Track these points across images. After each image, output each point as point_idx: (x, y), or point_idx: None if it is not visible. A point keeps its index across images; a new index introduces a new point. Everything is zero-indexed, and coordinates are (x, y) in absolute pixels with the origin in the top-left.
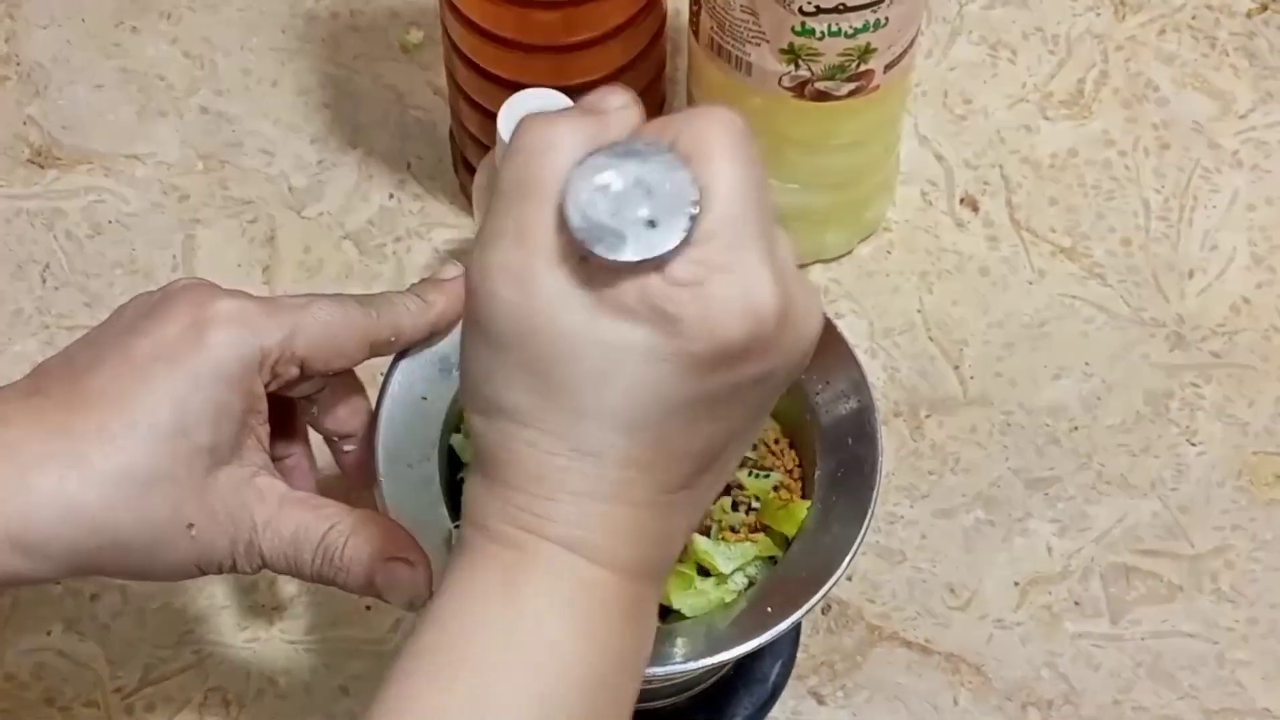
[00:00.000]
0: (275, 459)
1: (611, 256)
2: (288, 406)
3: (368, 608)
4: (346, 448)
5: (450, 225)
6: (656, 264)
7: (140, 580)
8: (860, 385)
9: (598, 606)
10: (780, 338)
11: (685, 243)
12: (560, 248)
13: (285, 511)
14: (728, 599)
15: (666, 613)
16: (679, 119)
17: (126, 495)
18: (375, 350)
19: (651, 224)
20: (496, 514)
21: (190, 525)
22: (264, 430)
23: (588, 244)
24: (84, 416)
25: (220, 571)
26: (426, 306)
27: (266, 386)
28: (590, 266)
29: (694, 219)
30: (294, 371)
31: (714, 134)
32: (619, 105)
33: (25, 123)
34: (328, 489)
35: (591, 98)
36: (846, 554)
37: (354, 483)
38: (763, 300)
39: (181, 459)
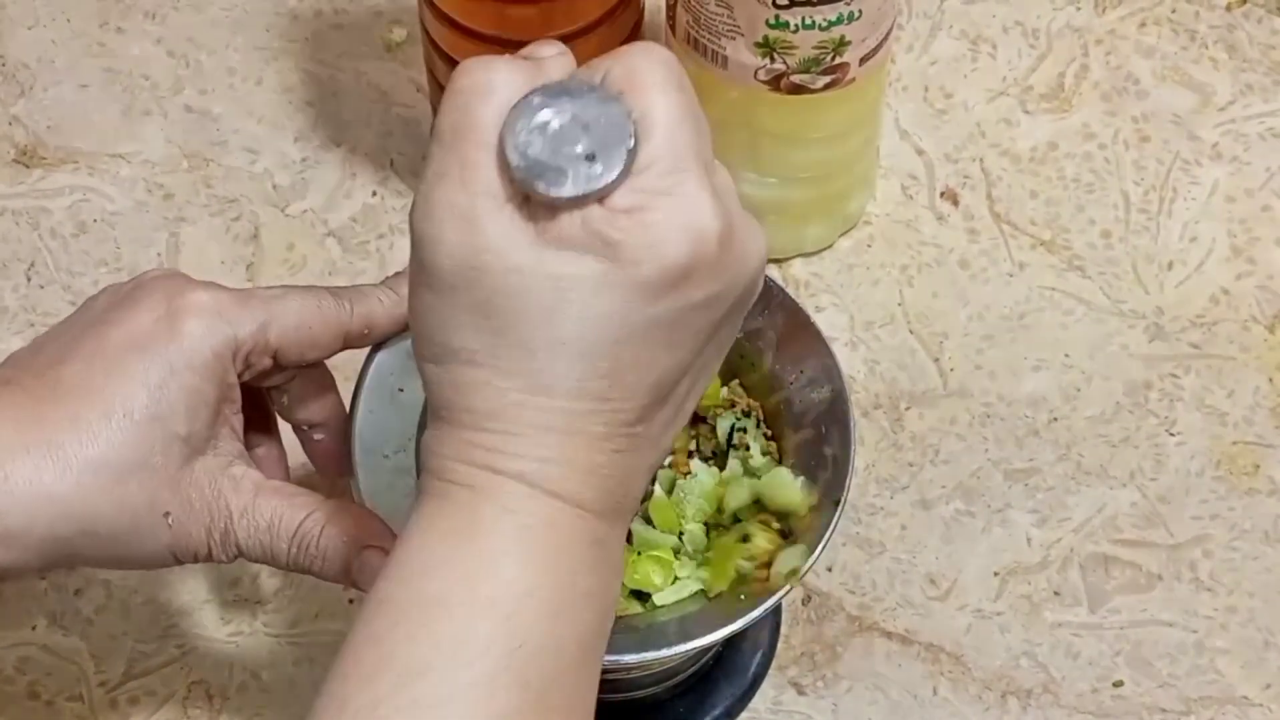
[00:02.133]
0: (248, 449)
1: (553, 193)
2: (259, 397)
3: (350, 601)
4: (316, 437)
5: None
6: (599, 196)
7: (117, 568)
8: (833, 372)
9: (558, 542)
10: (724, 258)
11: (625, 173)
12: (503, 187)
13: (261, 500)
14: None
15: (641, 599)
16: (609, 57)
17: (103, 484)
18: (348, 343)
19: (590, 158)
20: (453, 455)
21: (167, 514)
22: (238, 420)
23: (529, 182)
24: (58, 406)
25: (196, 560)
26: (400, 299)
27: (240, 377)
28: (533, 203)
29: (632, 150)
30: (267, 362)
31: (645, 67)
32: (554, 53)
33: (10, 122)
34: (303, 482)
35: (526, 49)
36: (820, 541)
37: (324, 472)
38: (704, 221)
39: (158, 447)
